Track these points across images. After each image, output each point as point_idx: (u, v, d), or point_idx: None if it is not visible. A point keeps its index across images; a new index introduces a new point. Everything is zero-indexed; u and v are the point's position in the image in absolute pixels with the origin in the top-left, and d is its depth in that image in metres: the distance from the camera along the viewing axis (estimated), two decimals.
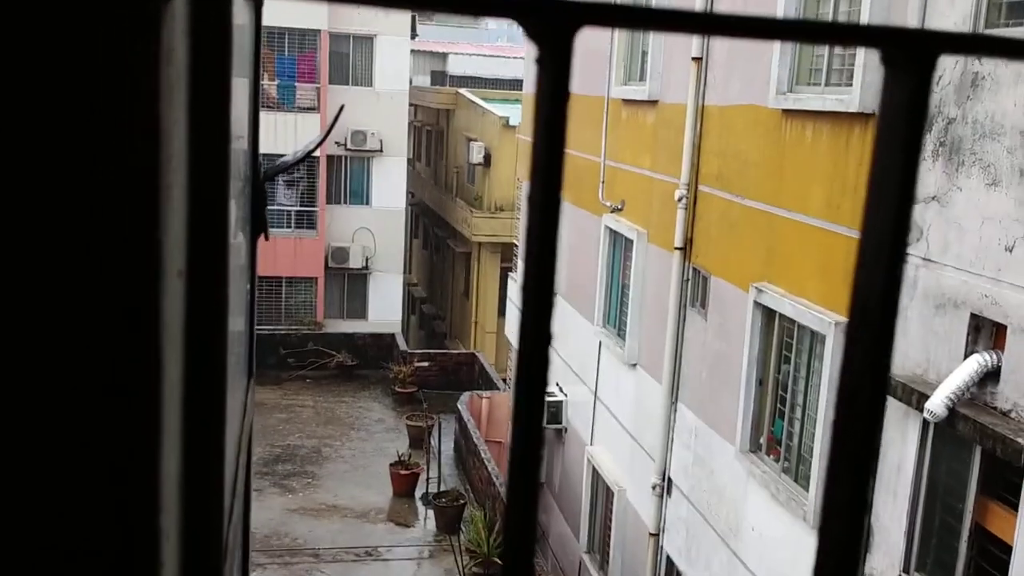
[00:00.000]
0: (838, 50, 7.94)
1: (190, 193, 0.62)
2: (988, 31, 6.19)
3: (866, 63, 7.22)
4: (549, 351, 0.44)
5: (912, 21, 6.72)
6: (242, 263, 1.22)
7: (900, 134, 0.40)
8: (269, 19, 24.14)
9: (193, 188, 0.63)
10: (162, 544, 0.53)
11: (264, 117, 25.95)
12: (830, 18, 7.99)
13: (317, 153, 24.82)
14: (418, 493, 17.21)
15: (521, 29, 0.40)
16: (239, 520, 1.41)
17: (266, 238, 1.51)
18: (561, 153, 0.39)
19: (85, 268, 0.48)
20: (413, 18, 26.75)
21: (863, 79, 7.23)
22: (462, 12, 0.40)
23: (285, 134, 24.44)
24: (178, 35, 0.54)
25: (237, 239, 1.15)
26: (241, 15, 1.21)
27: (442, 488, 16.83)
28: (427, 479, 17.01)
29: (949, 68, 6.42)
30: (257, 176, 1.47)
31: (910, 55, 0.41)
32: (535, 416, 0.42)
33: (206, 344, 0.68)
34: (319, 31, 24.92)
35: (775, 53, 8.49)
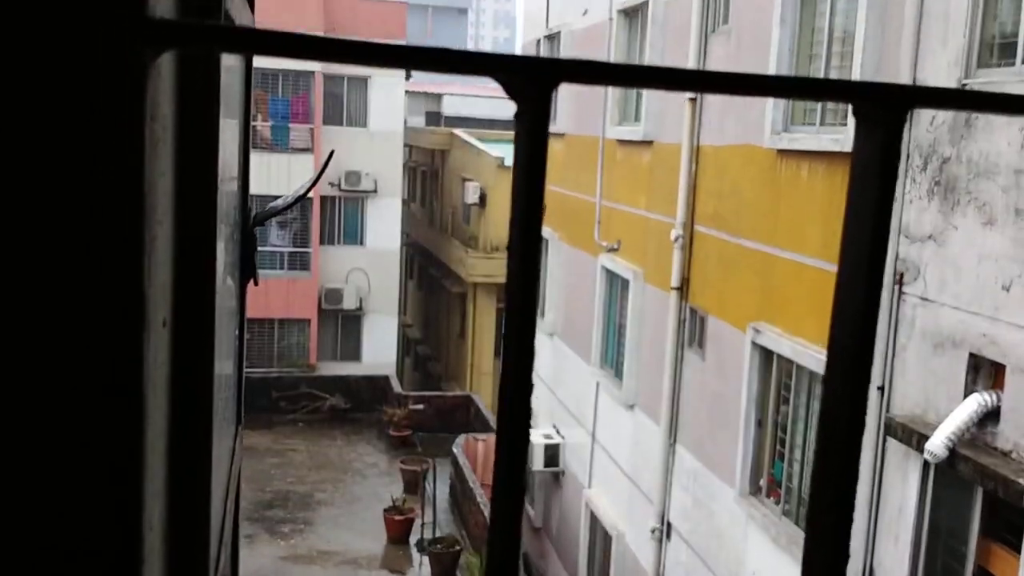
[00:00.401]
0: None
1: (176, 243, 0.59)
2: (980, 70, 6.23)
3: None
4: (531, 397, 0.44)
5: (905, 62, 6.77)
6: (231, 308, 1.19)
7: (872, 186, 0.41)
8: (263, 61, 24.41)
9: (180, 238, 0.60)
10: None
11: (258, 158, 26.18)
12: (823, 59, 8.06)
13: (311, 194, 24.88)
14: (413, 539, 16.99)
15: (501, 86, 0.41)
16: (226, 567, 1.36)
17: (255, 283, 1.47)
18: (540, 203, 0.40)
19: (69, 317, 0.48)
20: None
21: None
22: (443, 71, 0.41)
23: (279, 175, 24.52)
24: (165, 91, 0.53)
25: (226, 284, 1.11)
26: (231, 58, 1.19)
27: (437, 534, 16.61)
28: (422, 525, 16.80)
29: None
30: (247, 221, 1.43)
31: (880, 109, 0.42)
32: (518, 459, 0.42)
33: (192, 393, 0.65)
34: (313, 72, 25.13)
35: None
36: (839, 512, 0.44)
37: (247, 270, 1.40)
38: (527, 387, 0.42)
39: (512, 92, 0.40)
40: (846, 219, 0.44)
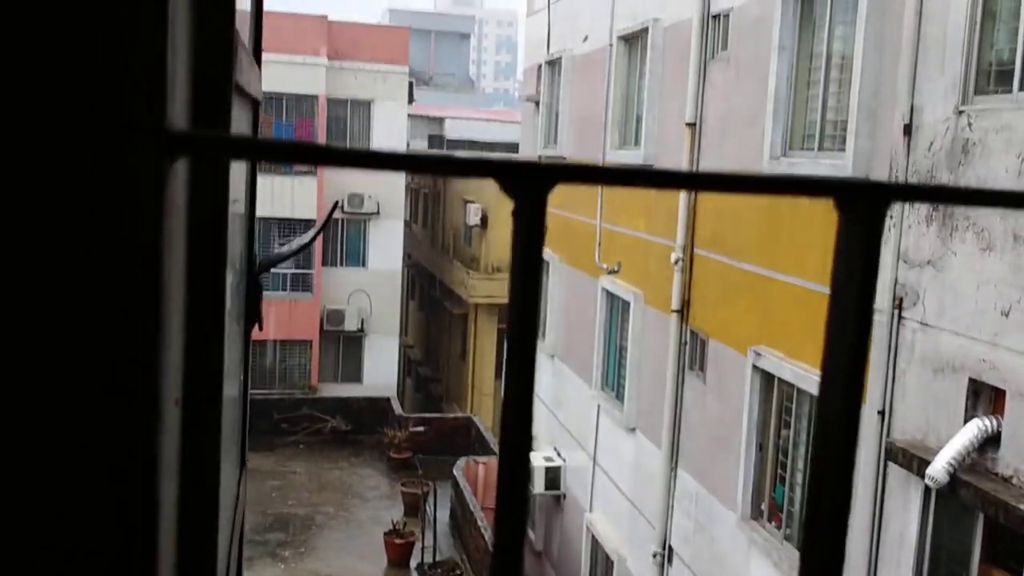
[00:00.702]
0: (831, 115, 8.05)
1: (187, 324, 0.62)
2: (977, 97, 6.28)
3: (858, 129, 7.31)
4: (532, 422, 0.46)
5: (902, 88, 6.82)
6: (237, 360, 1.21)
7: (856, 282, 0.43)
8: (267, 84, 24.50)
9: (190, 319, 0.63)
10: None
11: (262, 180, 26.23)
12: (822, 85, 8.11)
13: (314, 216, 24.95)
14: (413, 563, 16.91)
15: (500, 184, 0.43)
16: None
17: (260, 329, 1.49)
18: (537, 294, 0.42)
19: (86, 399, 0.49)
20: (410, 83, 27.17)
21: (856, 144, 7.32)
22: (445, 174, 0.44)
23: (283, 197, 24.61)
24: (179, 186, 0.55)
25: (231, 331, 1.14)
26: (240, 121, 1.22)
27: (438, 558, 16.54)
28: (422, 548, 16.73)
29: (940, 134, 6.50)
30: (252, 269, 1.46)
31: (862, 206, 0.44)
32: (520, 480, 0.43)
33: (200, 476, 0.67)
34: (317, 96, 25.27)
35: (768, 117, 8.61)
36: (835, 524, 0.45)
37: (251, 317, 1.43)
38: (528, 412, 0.44)
39: (510, 192, 0.42)
40: (830, 310, 0.47)
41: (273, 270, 25.48)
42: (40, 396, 0.49)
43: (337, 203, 3.38)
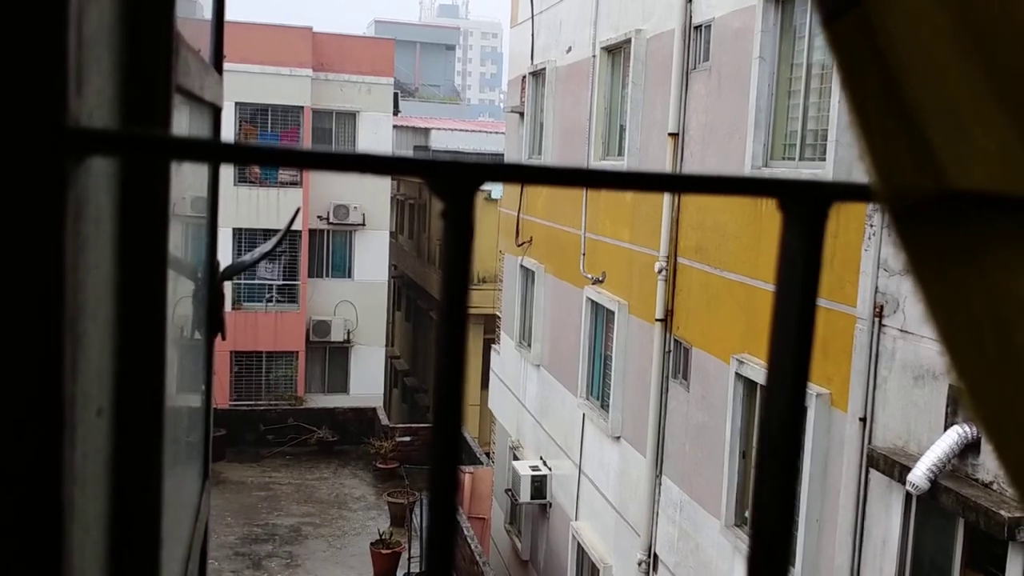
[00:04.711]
0: (811, 124, 8.11)
1: (119, 330, 0.61)
2: None
3: (838, 138, 7.36)
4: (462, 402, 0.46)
5: None
6: (194, 370, 1.21)
7: (798, 280, 0.43)
8: (252, 96, 24.53)
9: (123, 324, 0.62)
10: None
11: (247, 192, 26.06)
12: (802, 94, 8.17)
13: (299, 227, 24.92)
14: (400, 573, 16.84)
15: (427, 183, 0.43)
16: None
17: (223, 338, 1.50)
18: (465, 292, 0.45)
19: None
20: (395, 95, 27.17)
21: (836, 153, 7.37)
22: (376, 173, 0.44)
23: (268, 208, 24.55)
24: (99, 186, 0.54)
25: (193, 339, 1.14)
26: (199, 128, 1.22)
27: (424, 568, 16.48)
28: (409, 558, 16.68)
29: None
30: (214, 277, 1.46)
31: (803, 206, 0.44)
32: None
33: (138, 475, 0.67)
34: (302, 107, 25.25)
35: (750, 128, 8.66)
36: (779, 519, 0.45)
37: (214, 325, 1.43)
38: (457, 418, 0.44)
39: (438, 192, 0.43)
40: (774, 308, 0.47)
41: (259, 282, 25.41)
42: None
43: (298, 210, 3.38)
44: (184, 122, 0.93)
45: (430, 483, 0.46)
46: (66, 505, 0.46)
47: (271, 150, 0.45)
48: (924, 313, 0.44)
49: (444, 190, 0.42)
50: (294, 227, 24.56)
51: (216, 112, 1.58)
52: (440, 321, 0.44)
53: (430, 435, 0.45)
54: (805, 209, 0.45)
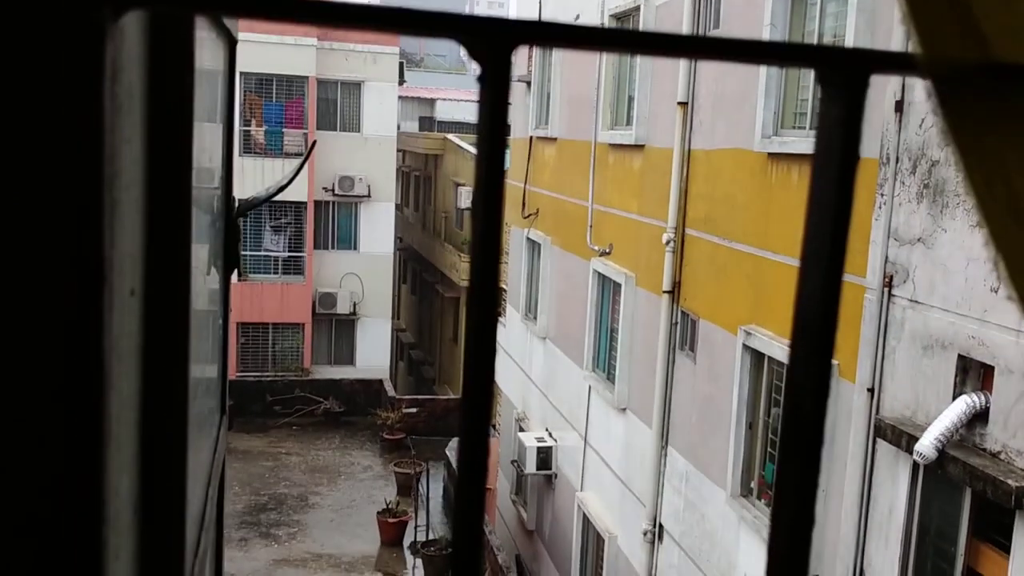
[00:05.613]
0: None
1: (147, 213, 0.60)
2: None
3: None
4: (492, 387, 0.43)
5: (897, 34, 6.79)
6: (212, 291, 1.20)
7: (837, 151, 0.42)
8: (257, 66, 24.42)
9: (152, 208, 0.61)
10: (108, 562, 0.51)
11: (252, 162, 25.98)
12: (816, 33, 8.08)
13: (305, 199, 24.89)
14: (407, 542, 16.97)
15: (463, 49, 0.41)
16: (208, 552, 1.36)
17: (239, 276, 1.49)
18: (502, 163, 0.41)
19: (25, 282, 0.46)
20: (401, 65, 27.02)
21: None
22: (406, 32, 0.41)
23: (274, 179, 24.46)
24: (131, 56, 0.53)
25: (210, 274, 1.12)
26: (215, 58, 1.20)
27: (431, 536, 16.60)
28: (415, 527, 16.79)
29: (931, 112, 6.49)
30: (230, 212, 1.45)
31: (843, 74, 0.43)
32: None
33: (166, 363, 0.66)
34: (307, 77, 25.13)
35: (760, 97, 8.59)
36: (807, 478, 0.44)
37: (231, 259, 1.41)
38: (489, 371, 0.42)
39: (474, 54, 0.41)
40: (811, 183, 0.45)
41: (265, 253, 25.42)
42: None
43: (315, 142, 3.37)
44: (207, 52, 0.91)
45: (461, 416, 0.44)
46: (106, 368, 0.46)
47: (303, 3, 0.43)
48: (961, 182, 0.43)
49: (482, 49, 0.40)
50: (299, 199, 24.52)
51: (232, 47, 1.56)
52: (475, 192, 0.42)
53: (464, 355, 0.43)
54: (845, 77, 0.43)
